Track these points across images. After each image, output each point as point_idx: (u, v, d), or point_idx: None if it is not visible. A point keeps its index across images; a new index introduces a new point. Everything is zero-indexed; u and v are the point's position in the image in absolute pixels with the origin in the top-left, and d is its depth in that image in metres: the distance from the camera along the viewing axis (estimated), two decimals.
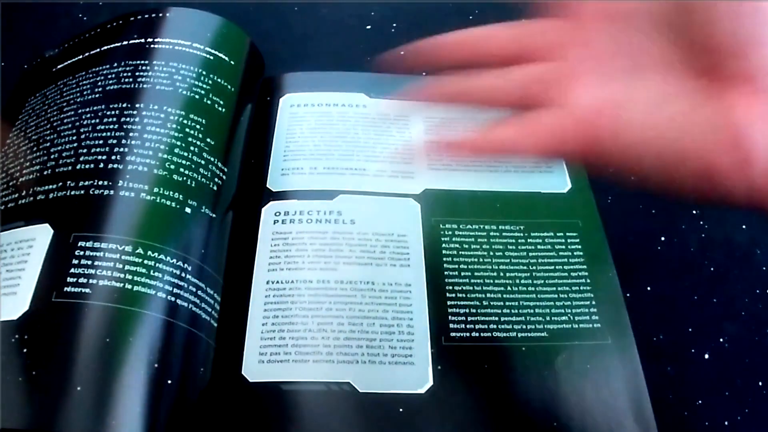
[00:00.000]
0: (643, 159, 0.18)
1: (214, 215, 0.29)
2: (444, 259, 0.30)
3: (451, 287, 0.29)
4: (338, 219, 0.31)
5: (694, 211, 0.34)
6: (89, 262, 0.24)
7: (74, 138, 0.29)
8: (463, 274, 0.30)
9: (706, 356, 0.29)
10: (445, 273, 0.30)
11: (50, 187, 0.27)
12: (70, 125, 0.29)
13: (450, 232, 0.31)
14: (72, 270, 0.24)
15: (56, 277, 0.24)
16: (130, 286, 0.24)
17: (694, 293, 0.31)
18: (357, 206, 0.32)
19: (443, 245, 0.31)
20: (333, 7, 0.44)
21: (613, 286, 0.30)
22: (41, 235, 0.25)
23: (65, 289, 0.24)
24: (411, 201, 0.33)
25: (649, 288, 0.31)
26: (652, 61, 0.19)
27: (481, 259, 0.31)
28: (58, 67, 0.34)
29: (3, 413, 0.20)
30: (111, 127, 0.29)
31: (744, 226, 0.33)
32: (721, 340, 0.29)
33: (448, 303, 0.29)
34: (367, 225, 0.31)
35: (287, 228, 0.31)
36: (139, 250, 0.25)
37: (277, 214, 0.32)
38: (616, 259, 0.31)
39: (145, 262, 0.25)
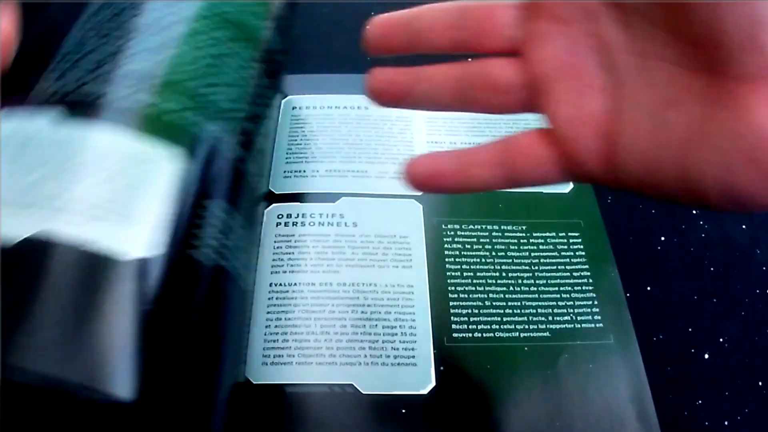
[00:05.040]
0: (653, 174, 0.16)
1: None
2: (446, 259, 0.31)
3: (453, 288, 0.30)
4: (341, 222, 0.32)
5: (694, 211, 0.34)
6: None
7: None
8: (465, 274, 0.30)
9: (706, 356, 0.29)
10: (448, 273, 0.30)
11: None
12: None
13: (452, 233, 0.32)
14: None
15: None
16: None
17: (694, 293, 0.31)
18: (359, 208, 0.32)
19: (445, 246, 0.31)
20: (333, 7, 0.44)
21: (615, 286, 0.30)
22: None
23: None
24: (413, 202, 0.33)
25: (649, 288, 0.31)
26: (652, 59, 0.16)
27: (483, 260, 0.31)
28: None
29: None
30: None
31: (744, 226, 0.34)
32: (721, 340, 0.29)
33: (451, 304, 0.29)
34: (370, 227, 0.31)
35: (290, 230, 0.31)
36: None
37: (280, 216, 0.32)
38: (616, 259, 0.31)
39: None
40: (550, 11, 0.18)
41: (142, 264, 0.20)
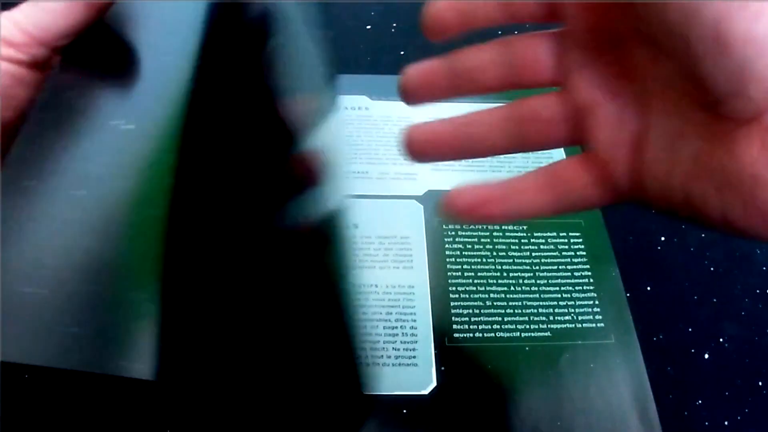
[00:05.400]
0: (665, 196, 0.17)
1: None
2: (447, 260, 0.31)
3: (454, 288, 0.30)
4: None
5: None
6: None
7: None
8: (466, 274, 0.30)
9: (706, 356, 0.29)
10: (449, 274, 0.30)
11: None
12: None
13: (453, 233, 0.32)
14: None
15: None
16: None
17: (694, 293, 0.31)
18: (360, 210, 0.32)
19: (446, 246, 0.31)
20: (334, 7, 0.44)
21: (616, 286, 0.30)
22: None
23: None
24: (414, 202, 0.33)
25: (649, 288, 0.31)
26: (671, 88, 0.16)
27: (484, 260, 0.31)
28: None
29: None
30: None
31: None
32: (721, 340, 0.29)
33: (452, 304, 0.29)
34: (370, 229, 0.31)
35: None
36: None
37: None
38: (617, 259, 0.31)
39: None
40: (581, 40, 0.18)
41: None
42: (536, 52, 0.19)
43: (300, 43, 0.24)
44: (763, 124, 0.14)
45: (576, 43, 0.18)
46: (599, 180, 0.18)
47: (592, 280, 0.30)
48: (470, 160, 0.35)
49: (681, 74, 0.15)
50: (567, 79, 0.18)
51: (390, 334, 0.28)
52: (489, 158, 0.35)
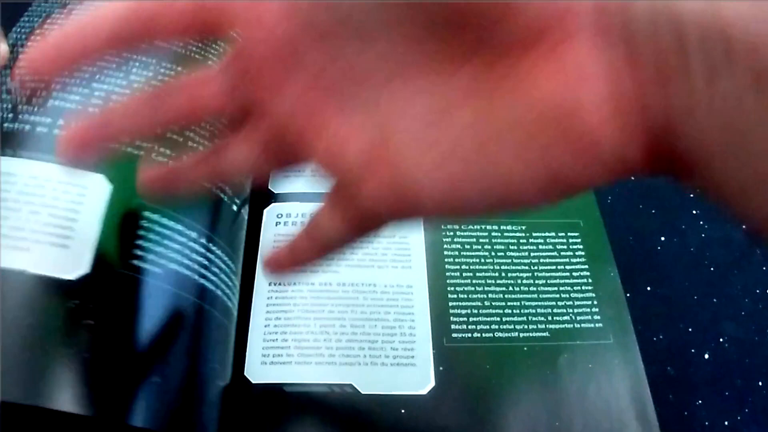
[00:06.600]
0: (461, 195, 0.13)
1: (242, 212, 0.29)
2: (446, 259, 0.31)
3: (452, 288, 0.30)
4: None
5: (695, 211, 0.34)
6: (158, 238, 0.24)
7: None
8: (464, 274, 0.30)
9: (706, 356, 0.29)
10: (447, 274, 0.30)
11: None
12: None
13: (452, 233, 0.32)
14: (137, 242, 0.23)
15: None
16: (192, 275, 0.24)
17: (694, 293, 0.31)
18: None
19: (445, 246, 0.31)
20: None
21: (614, 286, 0.30)
22: (96, 186, 0.23)
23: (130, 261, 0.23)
24: None
25: (648, 288, 0.31)
26: (405, 70, 0.13)
27: (482, 260, 0.31)
28: None
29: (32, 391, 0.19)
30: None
31: (744, 226, 0.33)
32: (721, 340, 0.29)
33: (450, 304, 0.29)
34: None
35: (289, 230, 0.31)
36: (203, 240, 0.25)
37: (279, 216, 0.32)
38: (616, 259, 0.31)
39: (207, 254, 0.25)
40: (259, 64, 0.15)
41: (85, 281, 0.21)
42: (208, 86, 0.16)
43: None
44: (547, 44, 0.12)
45: (256, 70, 0.15)
46: (354, 216, 0.16)
47: (590, 281, 0.30)
48: None
49: (432, 35, 0.12)
50: (258, 108, 0.16)
51: (388, 334, 0.28)
52: None
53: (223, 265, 0.26)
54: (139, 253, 0.23)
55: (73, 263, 0.21)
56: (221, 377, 0.25)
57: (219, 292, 0.25)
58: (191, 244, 0.25)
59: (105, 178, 0.24)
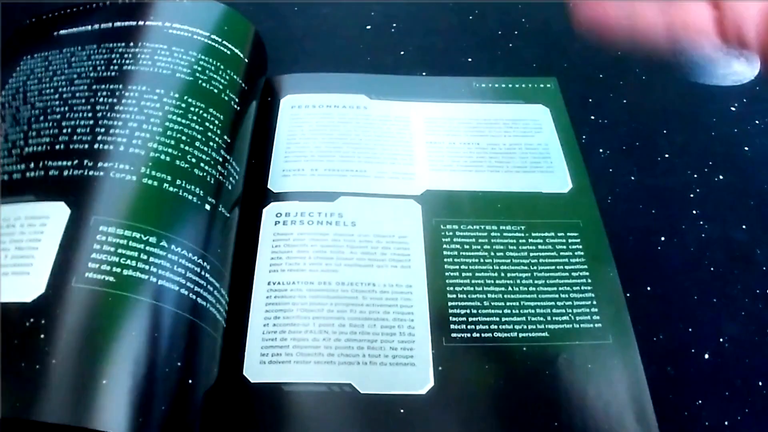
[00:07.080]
0: None
1: (228, 214, 0.29)
2: (445, 259, 0.31)
3: (452, 288, 0.30)
4: (339, 221, 0.31)
5: (694, 211, 0.34)
6: (112, 249, 0.24)
7: (90, 115, 0.28)
8: (464, 274, 0.30)
9: (706, 356, 0.29)
10: (446, 274, 0.30)
11: (65, 163, 0.26)
12: (83, 101, 0.28)
13: (451, 233, 0.31)
14: (94, 255, 0.23)
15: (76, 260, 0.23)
16: (154, 279, 0.24)
17: (694, 293, 0.31)
18: (358, 208, 0.32)
19: (444, 246, 0.31)
20: (333, 7, 0.44)
21: (613, 286, 0.30)
22: (56, 213, 0.24)
23: (87, 274, 0.23)
24: (412, 202, 0.33)
25: (648, 288, 0.31)
26: None
27: (482, 260, 0.31)
28: (62, 33, 0.32)
29: (12, 402, 0.20)
30: (131, 110, 0.28)
31: (744, 226, 0.33)
32: (721, 340, 0.29)
33: (449, 304, 0.29)
34: (368, 227, 0.31)
35: (288, 229, 0.31)
36: (163, 243, 0.25)
37: (278, 215, 0.32)
38: (616, 259, 0.31)
39: (169, 256, 0.25)
40: None
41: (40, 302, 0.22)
42: None
43: None
44: None
45: None
46: None
47: (590, 281, 0.30)
48: (468, 161, 0.35)
49: None
50: None
51: (387, 334, 0.28)
52: (488, 158, 0.35)
53: (186, 263, 0.26)
54: (95, 266, 0.23)
55: (32, 287, 0.22)
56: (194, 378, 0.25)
57: (184, 292, 0.25)
58: (150, 249, 0.25)
59: (65, 204, 0.25)
